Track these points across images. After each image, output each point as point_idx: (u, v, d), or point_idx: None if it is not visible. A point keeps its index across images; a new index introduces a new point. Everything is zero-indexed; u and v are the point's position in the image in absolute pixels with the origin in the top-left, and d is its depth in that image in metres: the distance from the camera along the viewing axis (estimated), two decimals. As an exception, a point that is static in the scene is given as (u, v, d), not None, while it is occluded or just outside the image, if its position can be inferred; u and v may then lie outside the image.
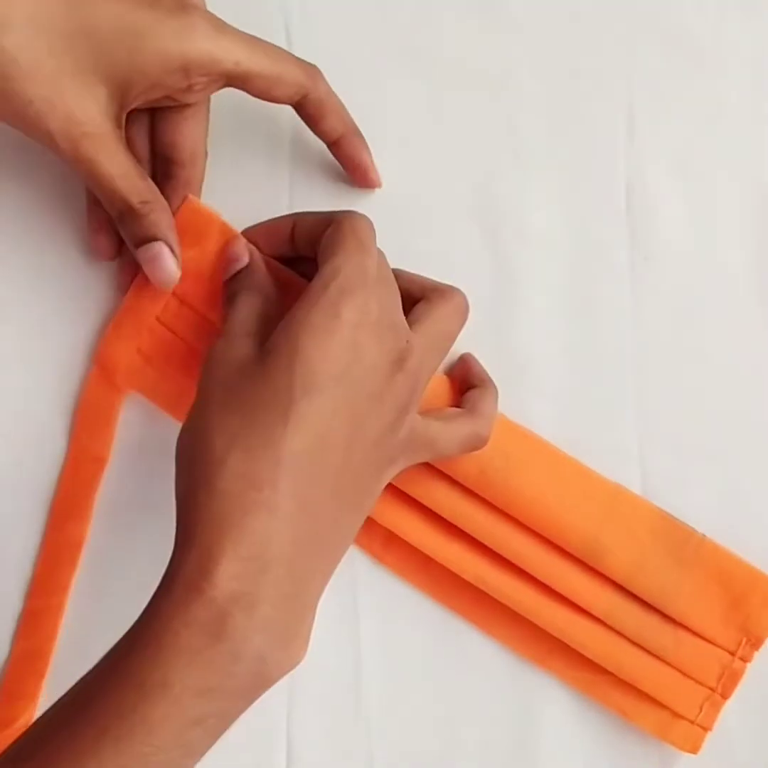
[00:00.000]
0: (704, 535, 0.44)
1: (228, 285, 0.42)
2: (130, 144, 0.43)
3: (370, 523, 0.44)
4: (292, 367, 0.36)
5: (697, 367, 0.47)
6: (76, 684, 0.35)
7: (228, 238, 0.43)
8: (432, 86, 0.47)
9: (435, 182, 0.47)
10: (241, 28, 0.41)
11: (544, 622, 0.44)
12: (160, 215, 0.41)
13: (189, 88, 0.41)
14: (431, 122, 0.47)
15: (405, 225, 0.47)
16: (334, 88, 0.44)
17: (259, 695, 0.36)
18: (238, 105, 0.44)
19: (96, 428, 0.45)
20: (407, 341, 0.39)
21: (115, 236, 0.44)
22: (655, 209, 0.47)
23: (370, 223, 0.40)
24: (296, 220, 0.43)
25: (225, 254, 0.43)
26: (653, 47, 0.48)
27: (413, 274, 0.43)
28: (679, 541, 0.44)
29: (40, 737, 0.34)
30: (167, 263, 0.42)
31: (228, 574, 0.34)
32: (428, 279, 0.43)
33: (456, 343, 0.43)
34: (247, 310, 0.40)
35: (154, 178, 0.43)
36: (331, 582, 0.45)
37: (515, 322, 0.47)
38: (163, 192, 0.43)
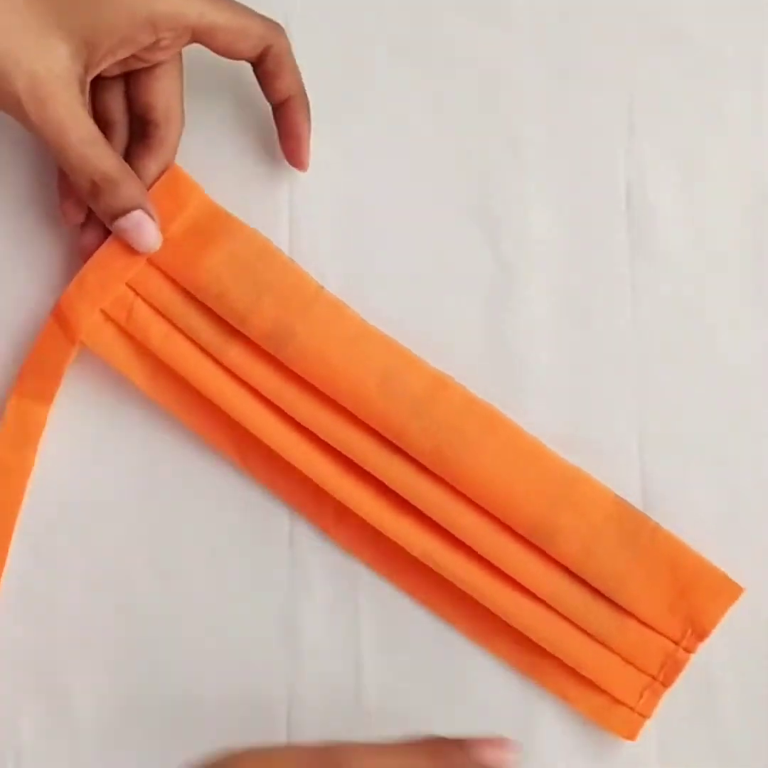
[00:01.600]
0: (658, 524, 0.44)
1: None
2: (106, 110, 0.43)
3: (321, 495, 0.44)
4: None
5: (697, 366, 0.47)
6: None
7: (207, 209, 0.44)
8: (432, 86, 0.47)
9: (435, 182, 0.47)
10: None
11: (490, 602, 0.44)
12: (133, 184, 0.41)
13: (156, 44, 0.40)
14: (431, 122, 0.47)
15: (405, 225, 0.47)
16: (333, 88, 0.44)
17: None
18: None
19: (43, 375, 0.44)
20: None
21: (84, 202, 0.43)
22: (655, 209, 0.47)
23: None
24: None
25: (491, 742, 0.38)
26: (653, 47, 0.48)
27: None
28: (633, 528, 0.44)
29: None
30: (149, 230, 0.42)
31: None
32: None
33: (451, 335, 0.42)
34: None
35: (130, 141, 0.44)
36: (331, 582, 0.45)
37: (515, 322, 0.47)
38: (136, 152, 0.43)
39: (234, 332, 0.44)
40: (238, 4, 0.42)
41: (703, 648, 0.45)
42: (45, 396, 0.44)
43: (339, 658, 0.45)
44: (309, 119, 0.45)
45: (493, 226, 0.47)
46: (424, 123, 0.47)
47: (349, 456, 0.44)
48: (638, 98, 0.48)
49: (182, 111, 0.44)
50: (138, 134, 0.44)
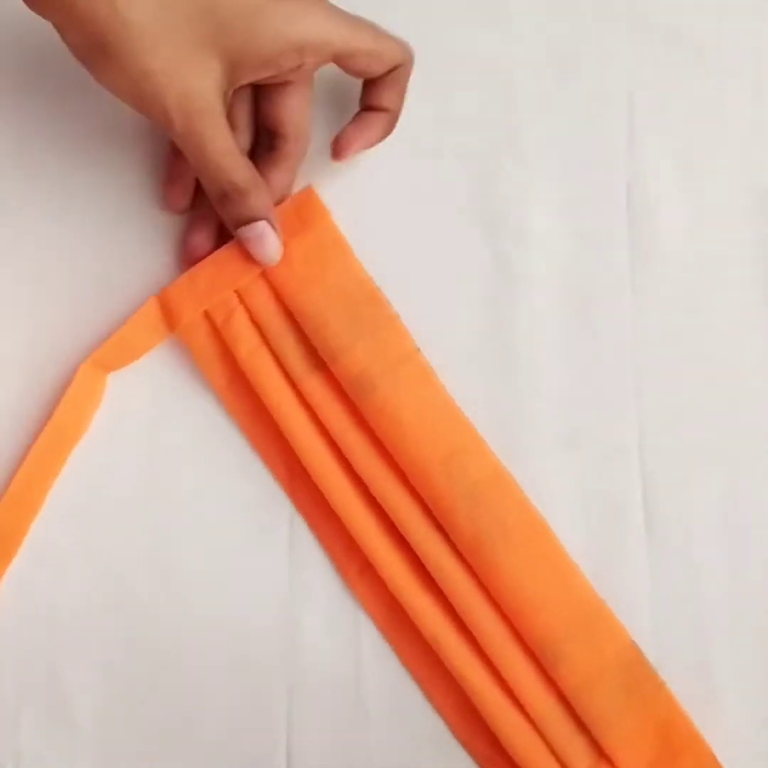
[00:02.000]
0: (664, 683, 0.44)
1: None
2: (232, 117, 0.44)
3: (353, 544, 0.44)
4: None
5: (697, 367, 0.47)
6: None
7: (331, 236, 0.44)
8: (432, 86, 0.47)
9: (435, 182, 0.47)
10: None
11: (479, 701, 0.43)
12: (261, 195, 0.42)
13: (298, 68, 0.41)
14: (431, 122, 0.47)
15: (405, 225, 0.47)
16: (333, 87, 0.44)
17: None
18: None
19: (124, 351, 0.45)
20: None
21: (189, 190, 0.45)
22: (655, 209, 0.47)
23: None
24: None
25: None
26: (653, 47, 0.48)
27: None
28: (639, 677, 0.44)
29: None
30: (272, 241, 0.43)
31: None
32: None
33: (451, 334, 0.42)
34: None
35: (254, 149, 0.45)
36: (331, 582, 0.45)
37: (515, 322, 0.46)
38: (261, 162, 0.44)
39: (320, 364, 0.44)
40: (372, 25, 0.42)
41: (703, 648, 0.45)
42: (114, 369, 0.45)
43: (339, 658, 0.45)
44: (382, 137, 0.45)
45: (493, 225, 0.47)
46: (424, 123, 0.47)
47: (391, 517, 0.44)
48: (638, 98, 0.48)
49: (309, 127, 0.45)
50: (265, 146, 0.45)
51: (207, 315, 0.45)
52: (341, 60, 0.42)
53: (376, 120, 0.44)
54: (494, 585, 0.43)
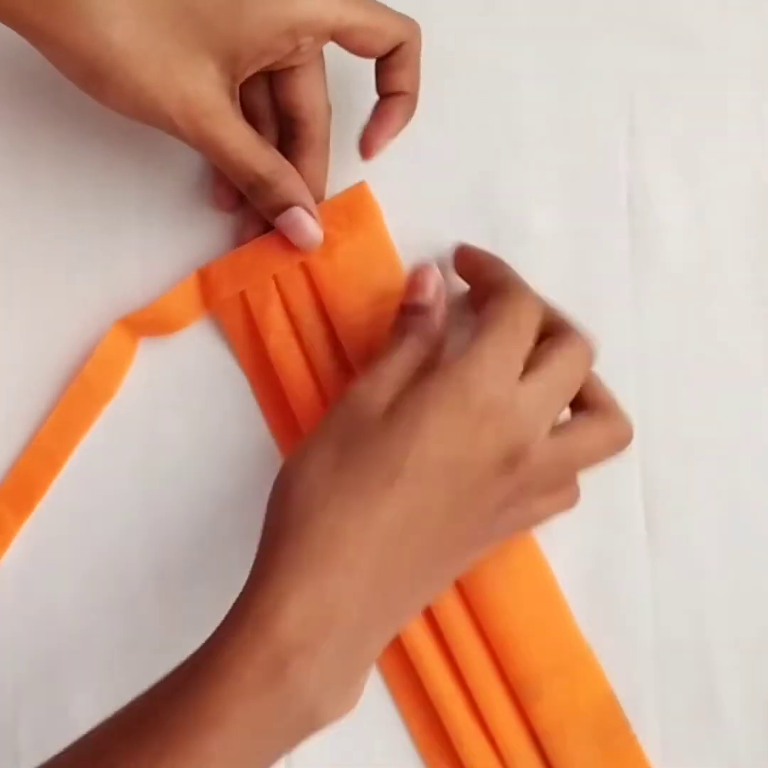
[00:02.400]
0: (635, 736, 0.44)
1: (402, 313, 0.41)
2: (252, 109, 0.44)
3: None
4: (409, 442, 0.36)
5: (697, 367, 0.47)
6: (135, 701, 0.36)
7: (379, 237, 0.44)
8: (431, 85, 0.47)
9: (435, 182, 0.47)
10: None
11: (451, 723, 0.43)
12: (291, 181, 0.42)
13: (296, 50, 0.41)
14: (431, 122, 0.47)
15: (405, 225, 0.47)
16: (332, 87, 0.44)
17: (306, 738, 0.36)
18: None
19: (160, 323, 0.45)
20: (529, 442, 0.37)
21: (236, 189, 0.44)
22: (655, 209, 0.47)
23: (537, 309, 0.39)
24: (460, 252, 0.44)
25: (415, 277, 0.42)
26: (654, 46, 0.48)
27: (544, 303, 0.41)
28: (612, 728, 0.44)
29: (94, 750, 0.35)
30: (309, 226, 0.43)
31: (295, 622, 0.35)
32: (556, 311, 0.41)
33: (450, 334, 0.42)
34: (407, 365, 0.39)
35: (280, 138, 0.44)
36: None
37: (515, 322, 0.46)
38: (289, 152, 0.44)
39: (346, 364, 0.44)
40: (371, 1, 0.42)
41: (704, 648, 0.45)
42: (147, 335, 0.46)
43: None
44: (405, 122, 0.44)
45: (493, 225, 0.47)
46: (424, 123, 0.47)
47: None
48: (639, 97, 0.48)
49: (328, 106, 0.44)
50: (287, 134, 0.44)
51: (244, 297, 0.45)
52: (339, 38, 0.41)
53: (396, 106, 0.43)
54: (484, 613, 0.44)
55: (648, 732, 0.45)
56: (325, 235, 0.43)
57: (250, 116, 0.44)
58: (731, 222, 0.48)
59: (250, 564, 0.45)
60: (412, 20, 0.43)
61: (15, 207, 0.47)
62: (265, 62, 0.41)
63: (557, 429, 0.39)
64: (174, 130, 0.41)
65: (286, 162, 0.43)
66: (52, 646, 0.45)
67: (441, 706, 0.44)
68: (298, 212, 0.42)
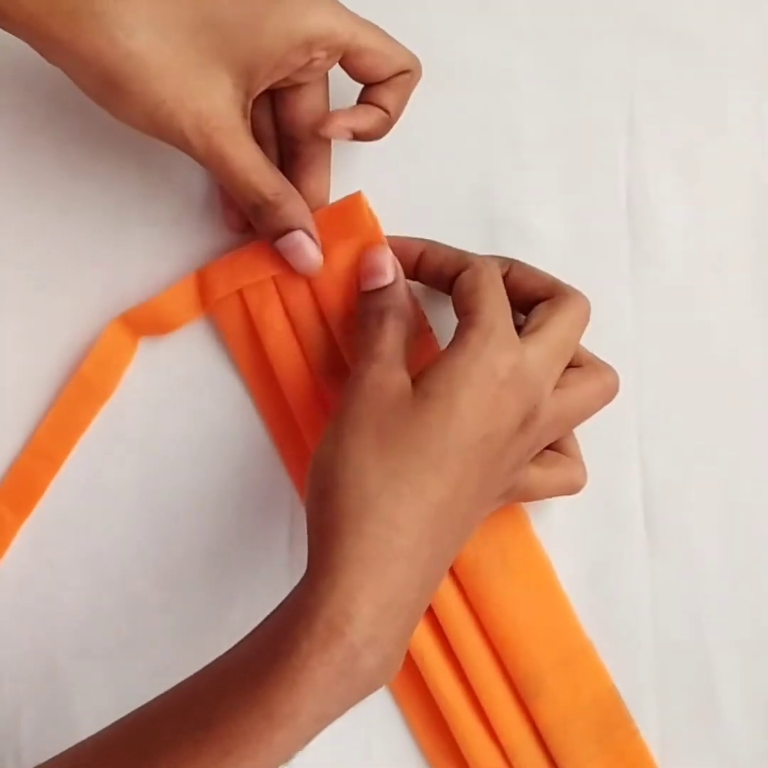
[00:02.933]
0: (637, 731, 0.44)
1: (370, 299, 0.42)
2: (258, 127, 0.44)
3: None
4: (449, 420, 0.38)
5: (697, 366, 0.47)
6: (192, 691, 0.37)
7: (374, 242, 0.44)
8: (432, 86, 0.47)
9: (435, 182, 0.47)
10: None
11: (453, 720, 0.44)
12: (294, 205, 0.42)
13: (308, 65, 0.41)
14: (431, 122, 0.47)
15: (405, 225, 0.47)
16: (333, 87, 0.44)
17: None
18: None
19: (158, 322, 0.45)
20: (539, 401, 0.39)
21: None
22: (655, 209, 0.47)
23: (497, 271, 0.42)
24: (426, 248, 0.44)
25: (368, 262, 0.43)
26: (654, 47, 0.48)
27: (534, 269, 0.43)
28: (615, 722, 0.44)
29: (152, 743, 0.36)
30: (309, 251, 0.43)
31: (367, 620, 0.36)
32: (549, 276, 0.43)
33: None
34: (398, 336, 0.41)
35: (281, 157, 0.44)
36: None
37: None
38: (290, 171, 0.44)
39: (343, 367, 0.44)
40: (380, 28, 0.42)
41: (703, 648, 0.45)
42: (144, 335, 0.46)
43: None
44: (371, 130, 0.43)
45: (493, 225, 0.47)
46: (424, 123, 0.47)
47: None
48: (639, 98, 0.48)
49: None
50: (289, 152, 0.44)
51: (242, 298, 0.45)
52: (350, 57, 0.41)
53: (368, 110, 0.43)
54: (485, 609, 0.44)
55: (648, 732, 0.45)
56: (327, 245, 0.43)
57: (253, 134, 0.43)
58: (731, 222, 0.48)
59: (250, 564, 0.45)
60: (417, 58, 0.43)
61: (16, 207, 0.46)
62: (278, 76, 0.41)
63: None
64: (184, 145, 0.40)
65: (290, 185, 0.43)
66: (52, 645, 0.45)
67: (444, 703, 0.44)
68: (299, 236, 0.42)
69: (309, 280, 0.44)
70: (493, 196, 0.47)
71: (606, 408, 0.46)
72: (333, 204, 0.45)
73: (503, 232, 0.47)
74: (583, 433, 0.46)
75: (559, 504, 0.45)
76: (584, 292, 0.46)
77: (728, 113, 0.48)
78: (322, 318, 0.44)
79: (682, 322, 0.47)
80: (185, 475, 0.46)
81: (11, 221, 0.46)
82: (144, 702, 0.42)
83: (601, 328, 0.47)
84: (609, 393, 0.43)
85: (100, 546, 0.45)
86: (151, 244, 0.47)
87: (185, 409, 0.46)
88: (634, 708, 0.44)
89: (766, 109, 0.48)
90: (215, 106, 0.40)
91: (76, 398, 0.45)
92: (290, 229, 0.42)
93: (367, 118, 0.43)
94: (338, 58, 0.42)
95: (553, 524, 0.45)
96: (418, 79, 0.43)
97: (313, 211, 0.43)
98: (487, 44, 0.48)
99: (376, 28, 0.42)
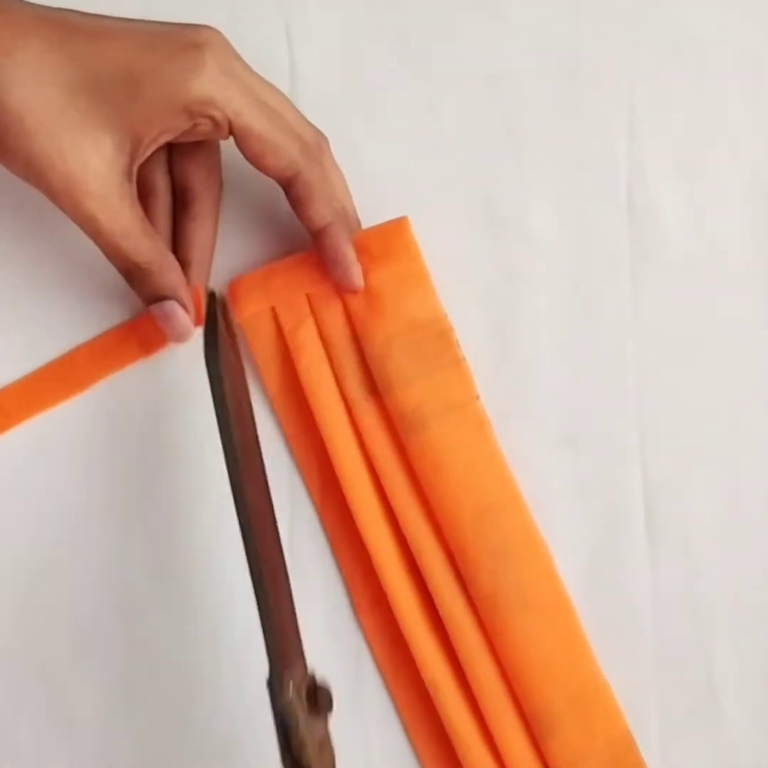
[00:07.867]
0: None
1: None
2: (150, 181, 0.43)
3: (370, 575, 0.44)
4: None
5: (697, 367, 0.47)
6: None
7: (414, 267, 0.44)
8: (432, 86, 0.47)
9: (435, 182, 0.47)
10: (240, 26, 0.41)
11: (465, 755, 0.43)
12: (168, 274, 0.42)
13: (194, 128, 0.40)
14: (431, 122, 0.47)
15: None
16: (332, 88, 0.44)
17: None
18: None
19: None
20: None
21: None
22: (656, 209, 0.47)
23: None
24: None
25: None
26: (654, 46, 0.48)
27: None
28: (627, 766, 0.43)
29: None
30: (180, 321, 0.42)
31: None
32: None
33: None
34: None
35: (175, 209, 0.44)
36: (330, 586, 0.45)
37: (515, 321, 0.46)
38: (180, 220, 0.44)
39: (376, 391, 0.44)
40: (281, 116, 0.41)
41: (704, 648, 0.45)
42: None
43: (338, 660, 0.45)
44: (350, 240, 0.43)
45: (493, 225, 0.47)
46: (424, 123, 0.47)
47: (415, 557, 0.44)
48: (639, 98, 0.48)
49: (221, 183, 0.44)
50: (180, 202, 0.44)
51: (275, 317, 0.45)
52: (237, 137, 0.41)
53: (329, 238, 0.42)
54: (502, 644, 0.43)
55: (648, 732, 0.44)
56: (365, 267, 0.43)
57: (145, 184, 0.43)
58: (731, 221, 0.48)
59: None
60: (316, 140, 0.42)
61: (18, 206, 0.46)
62: (165, 140, 0.40)
63: None
64: (55, 203, 0.40)
65: (166, 254, 0.42)
66: (52, 646, 0.45)
67: (455, 736, 0.43)
68: (171, 306, 0.42)
69: (345, 302, 0.44)
70: (493, 196, 0.47)
71: (606, 408, 0.46)
72: (377, 226, 0.44)
73: (503, 232, 0.47)
74: (583, 433, 0.46)
75: (559, 504, 0.45)
76: (585, 292, 0.47)
77: (728, 113, 0.48)
78: (356, 341, 0.44)
79: (682, 321, 0.47)
80: (186, 474, 0.46)
81: (11, 222, 0.46)
82: (143, 702, 0.42)
83: (601, 328, 0.47)
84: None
85: (100, 546, 0.45)
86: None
87: (188, 410, 0.46)
88: (634, 708, 0.44)
89: (766, 109, 0.48)
90: (89, 168, 0.39)
91: (57, 373, 0.45)
92: (161, 298, 0.42)
93: (337, 250, 0.42)
94: (225, 131, 0.41)
95: (553, 524, 0.45)
96: (319, 173, 0.42)
97: (199, 262, 0.44)
98: (486, 43, 0.48)
99: (271, 112, 0.41)
